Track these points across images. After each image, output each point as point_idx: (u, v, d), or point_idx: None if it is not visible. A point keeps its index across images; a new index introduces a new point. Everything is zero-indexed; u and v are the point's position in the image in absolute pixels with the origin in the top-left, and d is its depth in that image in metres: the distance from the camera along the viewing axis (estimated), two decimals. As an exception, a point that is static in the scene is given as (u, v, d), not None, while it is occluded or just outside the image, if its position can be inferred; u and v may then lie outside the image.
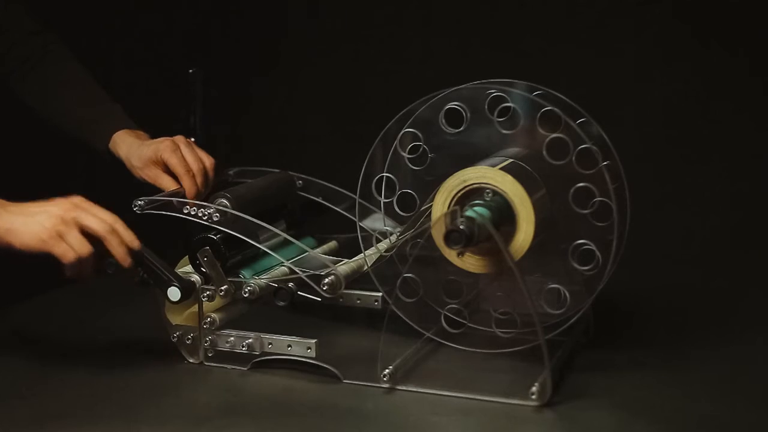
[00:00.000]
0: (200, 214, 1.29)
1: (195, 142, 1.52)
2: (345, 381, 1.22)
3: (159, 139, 1.43)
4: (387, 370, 1.20)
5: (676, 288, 1.61)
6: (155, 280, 1.25)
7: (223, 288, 1.27)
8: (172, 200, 1.31)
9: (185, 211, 1.30)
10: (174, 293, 1.24)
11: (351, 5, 2.00)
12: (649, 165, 1.81)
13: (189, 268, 1.31)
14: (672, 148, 1.84)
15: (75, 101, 1.50)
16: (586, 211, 1.20)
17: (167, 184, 1.40)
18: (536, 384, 1.15)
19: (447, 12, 1.94)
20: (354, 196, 1.34)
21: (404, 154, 1.29)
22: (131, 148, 1.44)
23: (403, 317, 1.25)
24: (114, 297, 1.53)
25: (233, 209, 1.29)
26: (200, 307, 1.28)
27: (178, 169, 1.39)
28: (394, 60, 1.98)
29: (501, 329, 1.25)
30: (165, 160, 1.40)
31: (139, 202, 1.31)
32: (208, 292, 1.27)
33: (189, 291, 1.25)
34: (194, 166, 1.40)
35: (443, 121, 1.27)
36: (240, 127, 2.07)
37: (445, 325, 1.27)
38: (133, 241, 1.22)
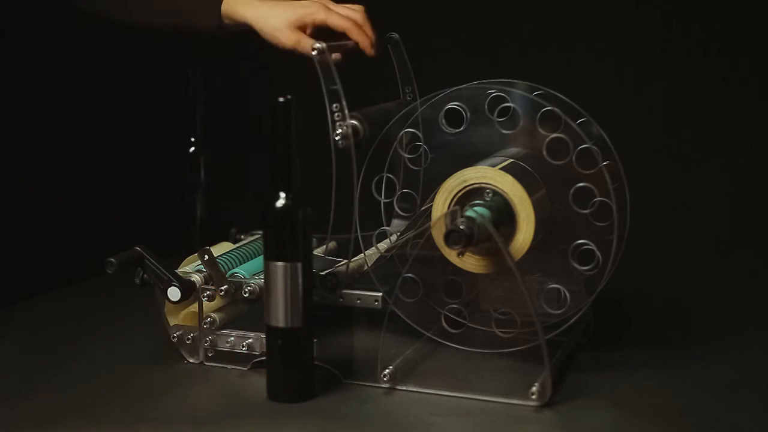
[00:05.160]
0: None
1: (195, 141, 1.53)
2: (345, 381, 1.22)
3: (298, 3, 1.30)
4: (387, 370, 1.20)
5: (676, 288, 1.62)
6: (155, 280, 1.25)
7: (223, 288, 1.27)
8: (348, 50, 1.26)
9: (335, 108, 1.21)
10: (174, 293, 1.24)
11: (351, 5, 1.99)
12: (649, 165, 1.81)
13: (189, 268, 1.31)
14: (672, 148, 1.84)
15: None
16: (586, 211, 1.20)
17: (312, 45, 1.23)
18: (536, 384, 1.15)
19: (447, 12, 1.94)
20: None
21: (404, 154, 1.29)
22: (262, 7, 1.29)
23: (403, 317, 1.25)
24: (114, 297, 1.54)
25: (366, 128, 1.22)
26: (200, 307, 1.28)
27: (345, 23, 1.27)
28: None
29: (501, 329, 1.25)
30: (320, 22, 1.28)
31: (320, 46, 1.20)
32: (208, 292, 1.27)
33: (189, 291, 1.25)
34: (356, 17, 1.29)
35: (443, 121, 1.27)
36: (240, 127, 2.07)
37: (445, 325, 1.27)
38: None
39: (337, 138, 1.21)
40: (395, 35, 1.43)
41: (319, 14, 1.28)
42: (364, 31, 1.29)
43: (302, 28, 1.28)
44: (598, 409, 1.14)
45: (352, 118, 1.21)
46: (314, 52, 1.22)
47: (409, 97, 1.45)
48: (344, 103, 1.21)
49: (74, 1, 1.38)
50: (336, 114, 1.21)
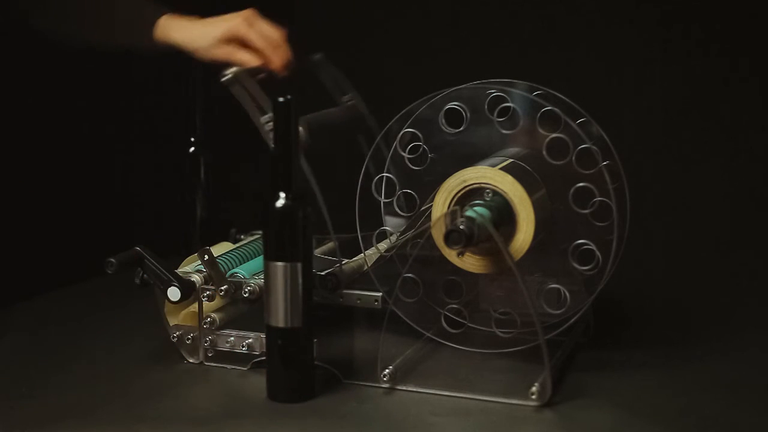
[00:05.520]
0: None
1: (195, 140, 1.53)
2: (345, 381, 1.22)
3: (226, 16, 1.34)
4: (387, 370, 1.20)
5: (676, 288, 1.62)
6: (155, 280, 1.25)
7: (223, 288, 1.27)
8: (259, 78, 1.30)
9: (263, 119, 1.27)
10: (174, 293, 1.24)
11: (351, 5, 1.99)
12: (649, 165, 1.81)
13: (189, 268, 1.31)
14: (672, 148, 1.84)
15: (100, 6, 1.40)
16: (586, 211, 1.20)
17: (246, 56, 1.32)
18: (536, 384, 1.15)
19: (447, 12, 1.94)
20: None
21: (404, 154, 1.29)
22: (190, 29, 1.35)
23: (403, 317, 1.25)
24: (114, 297, 1.54)
25: (308, 134, 1.27)
26: (200, 307, 1.28)
27: (261, 43, 1.32)
28: (395, 60, 1.98)
29: (501, 329, 1.25)
30: (242, 36, 1.32)
31: (229, 76, 1.25)
32: (208, 292, 1.27)
33: (189, 291, 1.25)
34: (275, 36, 1.33)
35: (443, 121, 1.27)
36: (240, 127, 2.07)
37: (445, 325, 1.27)
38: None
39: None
40: (318, 56, 1.47)
41: (240, 29, 1.32)
42: (279, 51, 1.33)
43: (230, 41, 1.33)
44: (598, 409, 1.14)
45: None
46: (223, 80, 1.28)
47: (350, 102, 1.48)
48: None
49: (29, 19, 1.43)
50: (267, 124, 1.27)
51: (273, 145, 1.15)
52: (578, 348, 1.32)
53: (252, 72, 1.31)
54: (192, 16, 1.37)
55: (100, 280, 1.43)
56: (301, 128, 1.24)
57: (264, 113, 1.28)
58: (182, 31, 1.35)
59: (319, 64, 1.48)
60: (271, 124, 1.22)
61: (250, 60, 1.32)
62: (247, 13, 1.34)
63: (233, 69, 1.29)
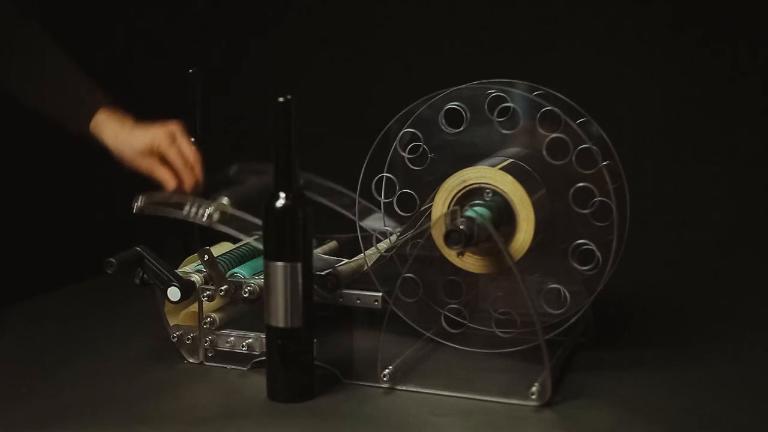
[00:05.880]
0: (199, 214, 1.29)
1: (195, 141, 1.52)
2: (345, 381, 1.22)
3: (152, 129, 1.39)
4: (387, 370, 1.20)
5: (676, 288, 1.62)
6: (155, 280, 1.25)
7: (223, 288, 1.27)
8: (171, 201, 1.31)
9: (185, 212, 1.30)
10: (174, 293, 1.24)
11: (352, 5, 2.00)
12: (649, 165, 1.81)
13: (189, 268, 1.31)
14: (672, 147, 1.84)
15: (51, 84, 1.44)
16: (586, 211, 1.20)
17: (164, 175, 1.38)
18: (536, 384, 1.15)
19: (447, 12, 1.94)
20: (353, 194, 1.34)
21: (404, 154, 1.29)
22: (119, 135, 1.40)
23: (403, 317, 1.25)
24: (114, 297, 1.54)
25: (233, 208, 1.30)
26: (200, 307, 1.28)
27: (177, 162, 1.38)
28: (395, 60, 1.98)
29: (501, 329, 1.25)
30: (162, 152, 1.38)
31: (139, 204, 1.30)
32: (208, 292, 1.27)
33: (189, 291, 1.25)
34: (191, 157, 1.38)
35: (443, 121, 1.27)
36: (239, 127, 2.07)
37: (445, 325, 1.27)
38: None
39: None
40: (234, 167, 1.50)
41: (162, 145, 1.38)
42: (193, 172, 1.39)
43: (152, 153, 1.38)
44: (598, 409, 1.14)
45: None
46: (134, 211, 1.33)
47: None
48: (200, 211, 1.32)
49: None
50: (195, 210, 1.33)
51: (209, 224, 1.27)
52: (578, 348, 1.32)
53: (161, 194, 1.36)
54: (126, 117, 1.42)
55: (100, 280, 1.43)
56: (225, 200, 1.33)
57: (182, 206, 1.33)
58: (111, 136, 1.40)
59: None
60: (200, 209, 1.31)
61: (167, 179, 1.38)
62: (172, 127, 1.40)
63: (140, 202, 1.33)
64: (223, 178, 1.47)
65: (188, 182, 1.37)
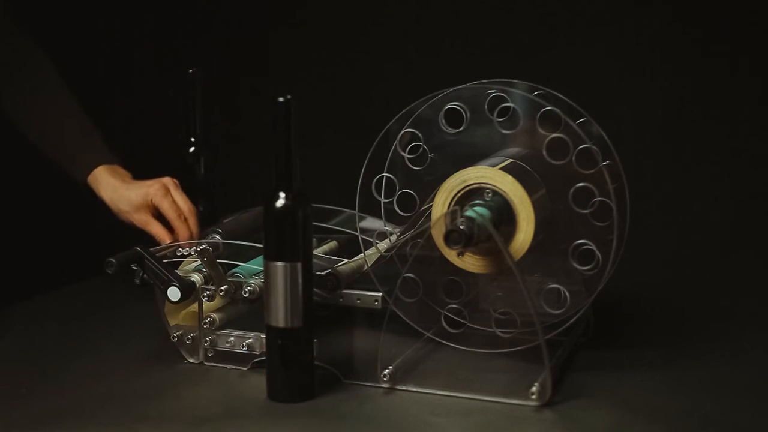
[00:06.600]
0: (193, 252, 1.31)
1: (195, 141, 1.52)
2: (345, 381, 1.22)
3: (146, 183, 1.41)
4: (387, 370, 1.20)
5: (676, 288, 1.62)
6: (155, 280, 1.25)
7: (223, 288, 1.27)
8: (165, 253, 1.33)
9: (179, 254, 1.33)
10: (174, 293, 1.24)
11: (352, 5, 2.00)
12: (649, 165, 1.81)
13: (189, 268, 1.31)
14: (672, 147, 1.84)
15: (53, 127, 1.47)
16: (586, 211, 1.20)
17: (158, 230, 1.38)
18: (536, 384, 1.15)
19: (447, 12, 1.94)
20: (346, 210, 1.34)
21: (404, 154, 1.29)
22: (116, 191, 1.42)
23: (403, 317, 1.25)
24: (114, 297, 1.54)
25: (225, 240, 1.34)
26: (200, 307, 1.28)
27: (171, 214, 1.38)
28: (395, 60, 1.98)
29: (501, 329, 1.25)
30: (156, 204, 1.39)
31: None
32: (208, 292, 1.27)
33: (189, 291, 1.25)
34: (185, 209, 1.39)
35: (443, 121, 1.27)
36: (239, 127, 2.07)
37: (445, 325, 1.27)
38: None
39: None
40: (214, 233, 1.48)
41: (156, 197, 1.39)
42: (187, 224, 1.39)
43: (147, 207, 1.40)
44: (598, 409, 1.14)
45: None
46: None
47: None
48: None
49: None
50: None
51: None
52: (578, 348, 1.32)
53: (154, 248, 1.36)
54: (124, 173, 1.45)
55: (100, 280, 1.43)
56: (217, 235, 1.36)
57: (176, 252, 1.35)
58: (108, 191, 1.43)
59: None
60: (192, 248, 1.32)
61: (161, 234, 1.38)
62: (166, 180, 1.41)
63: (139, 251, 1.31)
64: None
65: (182, 234, 1.38)
